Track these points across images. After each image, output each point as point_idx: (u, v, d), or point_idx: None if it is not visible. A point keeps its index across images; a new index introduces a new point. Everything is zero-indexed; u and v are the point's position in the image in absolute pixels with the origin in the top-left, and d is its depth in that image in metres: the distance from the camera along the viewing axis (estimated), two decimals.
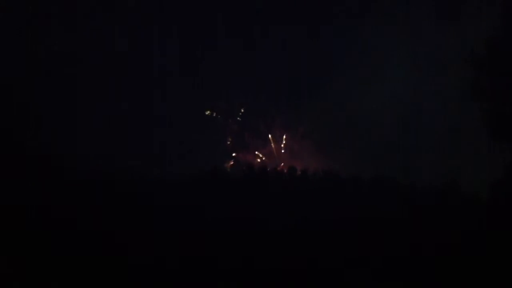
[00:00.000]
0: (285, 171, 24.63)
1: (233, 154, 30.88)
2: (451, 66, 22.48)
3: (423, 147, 23.75)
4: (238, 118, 30.87)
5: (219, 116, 30.39)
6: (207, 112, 29.84)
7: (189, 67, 29.30)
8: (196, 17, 28.94)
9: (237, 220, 19.36)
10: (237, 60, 29.23)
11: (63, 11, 26.66)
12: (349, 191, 22.21)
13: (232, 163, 30.80)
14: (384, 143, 24.11)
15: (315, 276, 17.20)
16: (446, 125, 23.41)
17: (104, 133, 25.55)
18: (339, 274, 17.27)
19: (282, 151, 30.55)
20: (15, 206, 17.48)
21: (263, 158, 30.84)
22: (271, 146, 30.97)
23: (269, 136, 30.65)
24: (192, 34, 29.05)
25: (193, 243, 18.12)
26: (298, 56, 28.07)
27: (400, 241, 18.33)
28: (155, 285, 16.27)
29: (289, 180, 23.11)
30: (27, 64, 25.15)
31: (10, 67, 24.08)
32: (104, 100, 26.73)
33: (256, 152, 30.80)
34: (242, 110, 30.62)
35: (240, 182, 24.14)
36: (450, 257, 17.19)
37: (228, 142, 31.01)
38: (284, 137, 30.53)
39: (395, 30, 24.37)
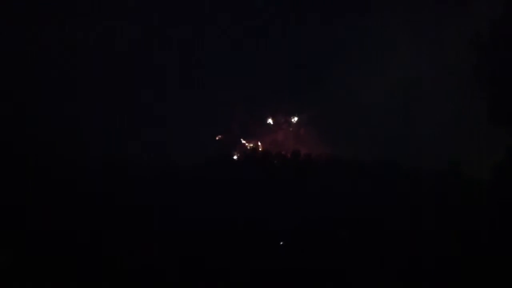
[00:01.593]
0: (289, 155, 24.78)
1: (238, 142, 30.96)
2: (453, 50, 22.54)
3: (425, 132, 23.87)
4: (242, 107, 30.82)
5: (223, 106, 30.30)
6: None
7: (190, 57, 29.17)
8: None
9: (241, 207, 19.62)
10: (240, 47, 29.13)
11: (62, 9, 26.54)
12: (352, 175, 22.40)
13: (237, 152, 30.92)
14: (386, 128, 24.25)
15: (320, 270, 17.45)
16: (448, 110, 23.53)
17: (102, 131, 25.47)
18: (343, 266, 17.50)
19: (287, 138, 30.68)
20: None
21: (268, 145, 30.94)
22: (276, 133, 31.10)
23: (272, 122, 30.76)
24: (194, 19, 28.85)
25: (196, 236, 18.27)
26: (301, 43, 27.99)
27: (402, 229, 18.70)
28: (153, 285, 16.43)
29: (293, 164, 23.32)
30: (26, 63, 25.07)
31: (9, 67, 24.09)
32: (102, 96, 26.66)
33: (256, 142, 30.89)
34: (246, 98, 30.54)
35: (244, 166, 24.41)
36: (453, 246, 17.53)
37: (232, 131, 31.03)
38: (291, 122, 30.64)
39: (396, 13, 24.24)
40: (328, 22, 26.83)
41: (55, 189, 19.16)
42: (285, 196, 20.69)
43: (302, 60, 27.94)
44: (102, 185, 20.28)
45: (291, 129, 30.63)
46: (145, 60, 28.04)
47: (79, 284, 15.89)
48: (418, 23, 24.44)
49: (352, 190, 20.98)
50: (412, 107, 24.53)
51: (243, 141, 30.90)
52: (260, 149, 29.88)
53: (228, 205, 19.73)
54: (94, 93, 25.86)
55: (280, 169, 23.79)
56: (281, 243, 19.01)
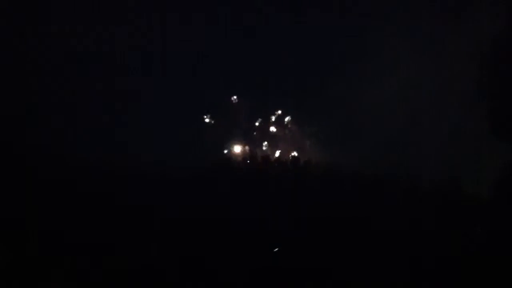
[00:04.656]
0: (288, 161, 24.73)
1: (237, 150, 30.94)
2: (455, 65, 22.60)
3: (425, 146, 23.78)
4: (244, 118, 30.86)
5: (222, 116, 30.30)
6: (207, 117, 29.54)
7: (188, 62, 29.22)
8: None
9: (239, 212, 19.63)
10: (239, 56, 29.22)
11: (62, 9, 26.81)
12: (350, 187, 22.34)
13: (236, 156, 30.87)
14: (386, 141, 24.14)
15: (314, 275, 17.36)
16: (449, 123, 23.45)
17: (100, 132, 25.50)
18: (337, 273, 17.50)
19: (287, 144, 30.66)
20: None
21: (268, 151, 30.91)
22: (276, 139, 31.07)
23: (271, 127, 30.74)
24: (191, 29, 28.99)
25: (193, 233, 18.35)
26: (302, 53, 28.07)
27: (400, 239, 18.51)
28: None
29: (291, 170, 23.28)
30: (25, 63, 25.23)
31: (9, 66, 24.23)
32: (100, 97, 26.75)
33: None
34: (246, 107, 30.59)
35: (243, 172, 24.37)
36: (451, 258, 17.34)
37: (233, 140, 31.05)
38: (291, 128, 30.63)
39: (399, 29, 24.32)
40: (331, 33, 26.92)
41: (55, 189, 19.11)
42: (282, 198, 20.70)
43: (302, 66, 28.02)
44: (102, 185, 20.31)
45: (290, 135, 30.65)
46: (144, 60, 28.23)
47: (78, 284, 15.82)
48: (421, 36, 24.48)
49: (349, 199, 20.94)
50: (412, 119, 24.49)
51: (242, 146, 30.91)
52: (259, 155, 29.85)
53: (226, 205, 19.75)
54: (93, 93, 26.02)
55: (279, 175, 23.73)
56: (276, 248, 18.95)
